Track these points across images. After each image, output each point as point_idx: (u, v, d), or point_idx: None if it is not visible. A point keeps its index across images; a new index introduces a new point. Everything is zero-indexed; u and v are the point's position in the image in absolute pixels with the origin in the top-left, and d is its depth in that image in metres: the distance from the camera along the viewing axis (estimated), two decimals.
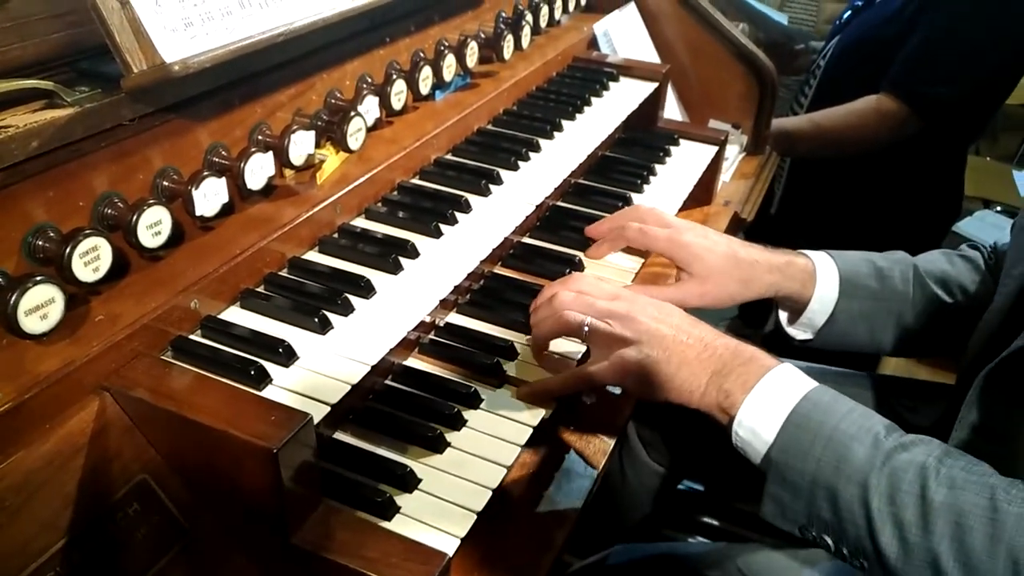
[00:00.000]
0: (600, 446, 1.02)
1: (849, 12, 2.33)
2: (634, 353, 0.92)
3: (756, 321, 2.57)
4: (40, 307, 0.75)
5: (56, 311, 0.77)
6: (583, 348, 1.04)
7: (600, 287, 1.00)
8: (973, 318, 1.11)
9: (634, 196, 1.43)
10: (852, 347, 1.19)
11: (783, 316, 1.21)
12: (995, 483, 0.75)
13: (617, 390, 1.13)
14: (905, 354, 1.37)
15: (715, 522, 1.60)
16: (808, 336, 1.20)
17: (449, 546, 0.80)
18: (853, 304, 1.15)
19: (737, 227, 1.73)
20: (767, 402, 0.85)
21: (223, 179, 0.97)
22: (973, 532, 0.72)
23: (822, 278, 1.14)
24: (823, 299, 1.14)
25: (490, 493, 0.86)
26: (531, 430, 0.94)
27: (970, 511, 0.73)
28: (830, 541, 0.82)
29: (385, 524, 0.82)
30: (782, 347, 1.17)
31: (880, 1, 2.17)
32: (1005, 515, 0.72)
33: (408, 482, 0.86)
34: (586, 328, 0.95)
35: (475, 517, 0.83)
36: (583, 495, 0.96)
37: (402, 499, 0.85)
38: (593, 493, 0.97)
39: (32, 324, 0.75)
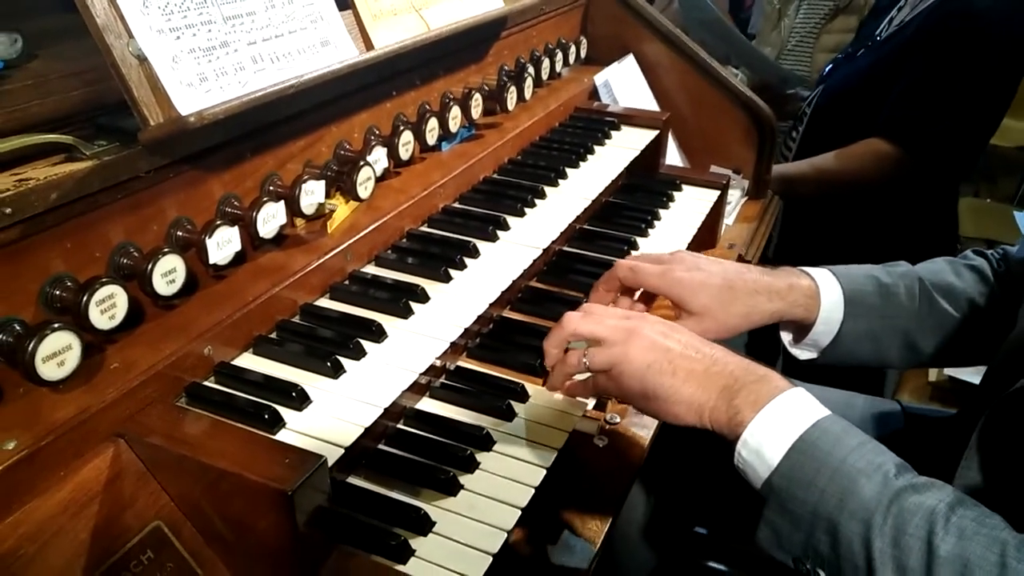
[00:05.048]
0: (598, 526, 1.00)
1: (831, 65, 2.44)
2: (638, 365, 0.89)
3: (766, 359, 2.57)
4: (57, 354, 0.76)
5: (73, 358, 0.78)
6: None
7: (611, 309, 0.99)
8: (981, 332, 1.09)
9: (640, 240, 1.45)
10: (857, 363, 1.17)
11: (786, 337, 1.18)
12: (1006, 538, 0.71)
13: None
14: (912, 367, 1.34)
15: (722, 567, 1.57)
16: (812, 355, 1.17)
17: None
18: (859, 324, 1.12)
19: None
20: (776, 424, 0.82)
21: (235, 228, 0.99)
22: None
23: (826, 299, 1.11)
24: (828, 320, 1.11)
25: (505, 535, 0.85)
26: (544, 471, 0.94)
27: (978, 564, 0.70)
28: None
29: (400, 568, 0.81)
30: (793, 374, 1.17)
31: (861, 54, 2.27)
32: (1014, 573, 0.69)
33: (423, 525, 0.85)
34: (585, 361, 0.94)
35: (491, 559, 0.82)
36: (588, 559, 0.95)
37: (417, 542, 0.84)
38: (596, 559, 0.96)
39: (49, 371, 0.76)
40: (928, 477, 0.79)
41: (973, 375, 1.93)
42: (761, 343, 2.63)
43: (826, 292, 1.11)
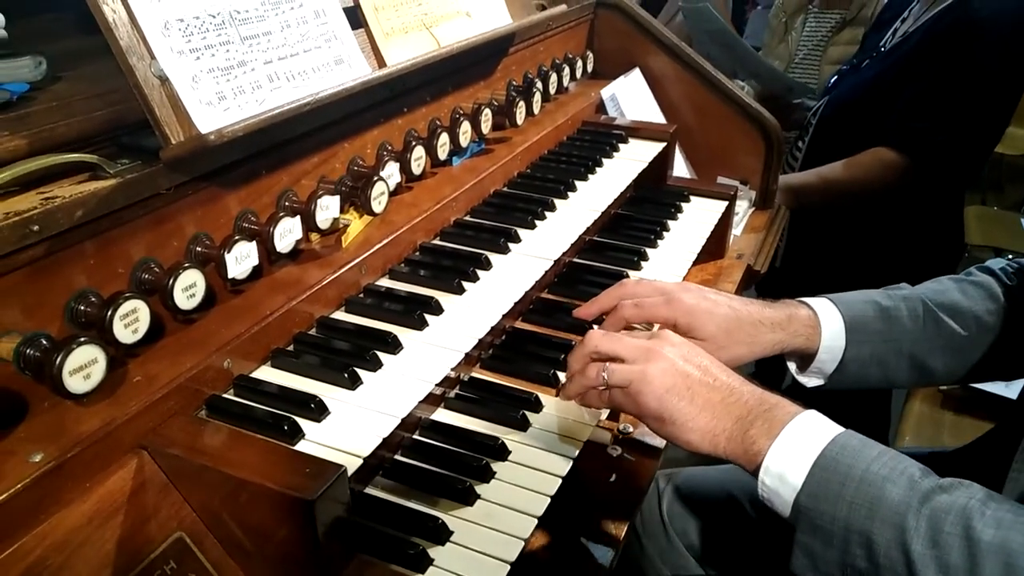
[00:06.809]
0: (614, 531, 1.01)
1: (836, 76, 2.46)
2: (656, 386, 0.90)
3: (773, 379, 2.57)
4: (83, 367, 0.78)
5: (99, 371, 0.79)
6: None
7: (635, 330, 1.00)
8: (993, 348, 1.08)
9: (649, 251, 1.46)
10: (866, 387, 1.18)
11: (792, 365, 1.19)
12: None
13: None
14: (924, 386, 1.33)
15: None
16: (820, 382, 1.17)
17: None
18: (863, 349, 1.12)
19: (751, 279, 1.76)
20: (794, 447, 0.83)
21: (253, 243, 1.01)
22: None
23: (827, 328, 1.11)
24: (830, 348, 1.12)
25: (522, 543, 0.86)
26: (560, 480, 0.95)
27: (1021, 552, 0.69)
28: None
29: None
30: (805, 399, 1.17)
31: (865, 65, 2.30)
32: None
33: (440, 534, 0.86)
34: (604, 375, 0.94)
35: (508, 567, 0.83)
36: (605, 564, 0.96)
37: (435, 552, 0.85)
38: (613, 564, 0.97)
39: (76, 384, 0.78)
40: (951, 477, 0.79)
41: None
42: (768, 364, 2.65)
43: (826, 321, 1.12)
